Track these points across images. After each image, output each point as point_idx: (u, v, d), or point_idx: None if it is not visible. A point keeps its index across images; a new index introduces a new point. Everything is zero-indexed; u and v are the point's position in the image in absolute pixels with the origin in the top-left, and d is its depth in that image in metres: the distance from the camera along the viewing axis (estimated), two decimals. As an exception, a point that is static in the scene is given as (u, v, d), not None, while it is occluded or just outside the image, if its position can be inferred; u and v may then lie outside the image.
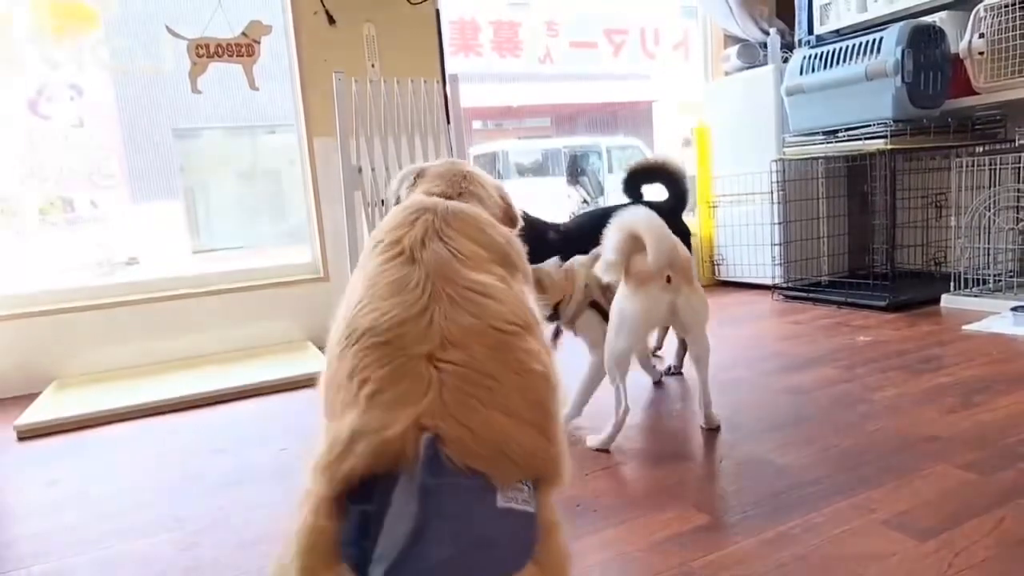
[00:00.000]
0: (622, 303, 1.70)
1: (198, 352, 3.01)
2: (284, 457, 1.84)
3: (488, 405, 0.65)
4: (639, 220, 1.66)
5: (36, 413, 2.31)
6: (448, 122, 3.19)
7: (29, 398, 2.55)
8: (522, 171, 10.75)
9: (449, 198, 0.98)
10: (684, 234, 2.46)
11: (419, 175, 1.17)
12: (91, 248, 7.98)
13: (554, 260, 1.92)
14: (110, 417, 2.29)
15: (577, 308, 1.89)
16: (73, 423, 2.24)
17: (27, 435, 2.19)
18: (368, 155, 3.01)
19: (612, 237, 1.69)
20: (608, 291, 1.84)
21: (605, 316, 1.82)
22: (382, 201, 3.03)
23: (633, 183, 2.46)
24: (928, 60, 2.94)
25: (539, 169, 11.01)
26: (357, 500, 0.59)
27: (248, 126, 9.74)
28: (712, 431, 1.80)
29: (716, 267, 4.11)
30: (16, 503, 1.68)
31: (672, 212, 2.41)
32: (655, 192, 2.49)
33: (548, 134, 13.31)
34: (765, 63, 3.73)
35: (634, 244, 1.67)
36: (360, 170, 2.99)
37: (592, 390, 1.86)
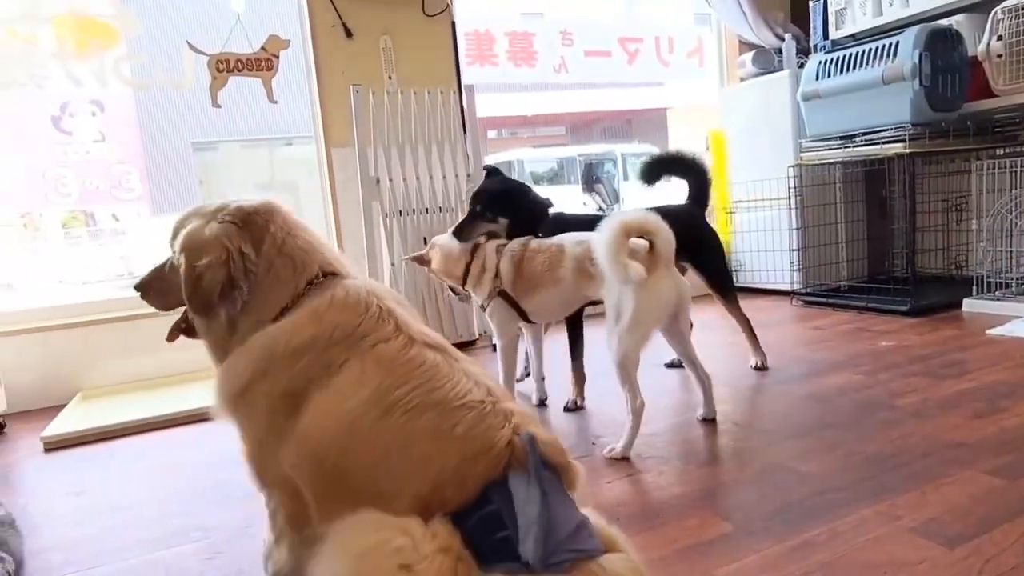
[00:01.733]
0: (635, 299, 1.68)
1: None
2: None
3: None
4: (636, 215, 1.68)
5: (62, 424, 2.35)
6: (464, 132, 3.22)
7: (55, 410, 2.59)
8: (537, 179, 10.77)
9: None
10: (712, 234, 2.42)
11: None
12: (112, 261, 8.10)
13: (446, 236, 2.12)
14: (134, 428, 2.32)
15: (488, 295, 2.04)
16: (98, 434, 2.28)
17: (53, 446, 2.22)
18: (386, 166, 3.04)
19: (613, 240, 1.64)
20: (521, 277, 1.97)
21: (512, 304, 2.00)
22: (400, 211, 3.06)
23: (652, 173, 2.40)
24: (946, 63, 2.91)
25: (555, 177, 11.03)
26: (473, 509, 0.78)
27: (265, 138, 9.86)
28: (709, 422, 1.89)
29: (734, 273, 4.09)
30: (44, 513, 1.71)
31: (694, 210, 2.37)
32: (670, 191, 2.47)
33: (563, 142, 13.34)
34: (780, 68, 3.72)
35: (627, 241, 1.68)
36: (378, 181, 3.02)
37: (512, 372, 2.12)
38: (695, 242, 2.26)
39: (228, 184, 10.19)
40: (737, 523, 1.33)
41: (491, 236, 2.15)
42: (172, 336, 1.17)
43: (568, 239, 1.93)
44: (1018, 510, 1.27)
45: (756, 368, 2.39)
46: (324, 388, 0.89)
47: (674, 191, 2.47)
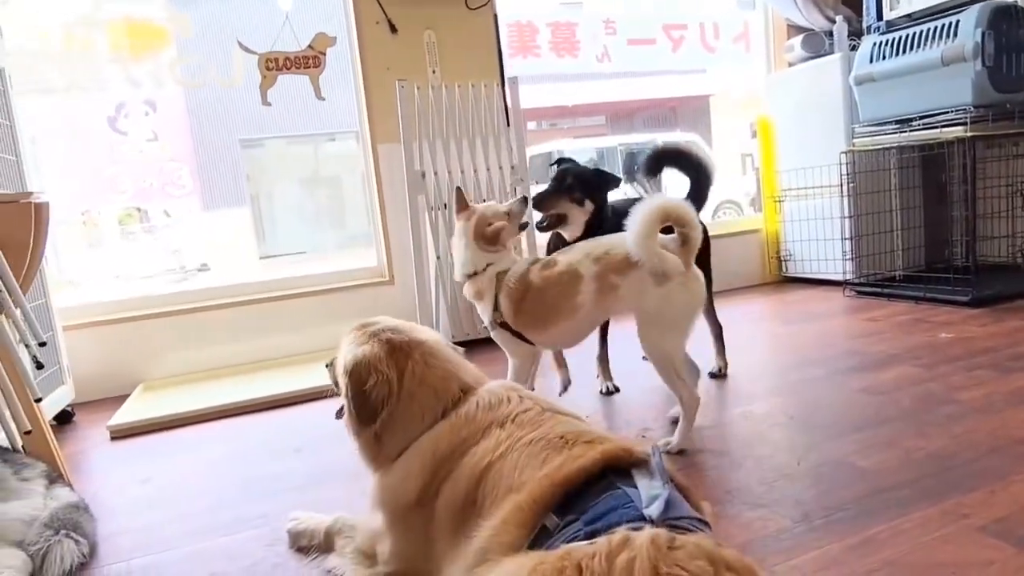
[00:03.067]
0: (674, 297, 1.65)
1: (271, 355, 3.12)
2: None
3: None
4: (675, 202, 1.62)
5: (126, 414, 2.45)
6: (508, 124, 3.21)
7: (118, 400, 2.70)
8: (578, 170, 10.69)
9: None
10: (706, 234, 2.11)
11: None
12: (166, 256, 8.38)
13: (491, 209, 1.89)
14: (195, 417, 2.40)
15: (489, 323, 1.86)
16: (161, 423, 2.37)
17: (119, 435, 2.32)
18: (431, 159, 3.06)
19: (648, 222, 1.58)
20: (524, 313, 1.78)
21: (517, 335, 1.82)
22: (444, 204, 3.08)
23: (654, 165, 2.23)
24: (1010, 42, 2.79)
25: (595, 168, 10.93)
26: (605, 488, 0.86)
27: (310, 135, 10.04)
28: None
29: (783, 263, 4.00)
30: (113, 499, 1.78)
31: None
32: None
33: (603, 133, 13.20)
34: (831, 52, 3.61)
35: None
36: (423, 175, 3.05)
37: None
38: None
39: (273, 179, 10.41)
40: (796, 519, 1.31)
41: (560, 220, 2.06)
42: (340, 415, 1.28)
43: (581, 257, 1.74)
44: (1096, 510, 1.22)
45: (713, 375, 2.26)
46: (470, 455, 1.04)
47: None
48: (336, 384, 1.28)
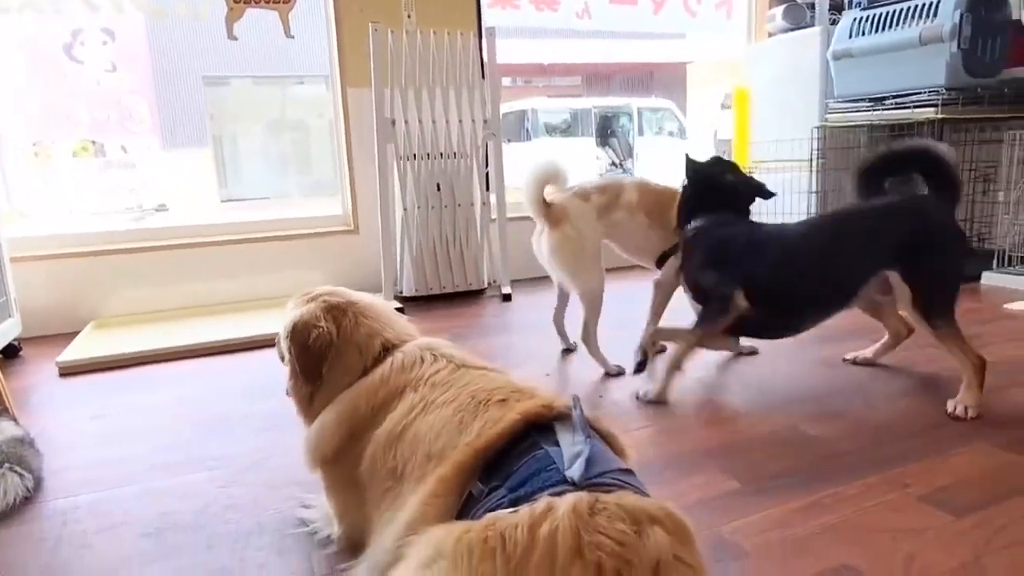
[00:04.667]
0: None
1: (230, 299, 3.05)
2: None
3: None
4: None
5: (77, 351, 2.38)
6: (483, 76, 3.14)
7: (68, 336, 2.62)
8: (551, 130, 10.60)
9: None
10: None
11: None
12: (122, 194, 8.08)
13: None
14: (148, 358, 2.35)
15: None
16: (113, 362, 2.30)
17: (69, 371, 2.25)
18: (402, 108, 2.98)
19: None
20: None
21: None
22: (414, 154, 3.02)
23: (874, 178, 1.83)
24: (987, 26, 2.80)
25: (568, 129, 10.85)
26: (527, 450, 0.86)
27: (277, 76, 9.68)
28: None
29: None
30: (61, 436, 1.74)
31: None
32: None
33: (579, 93, 13.07)
34: (812, 24, 3.59)
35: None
36: (393, 122, 2.97)
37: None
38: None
39: (238, 121, 10.07)
40: (745, 481, 1.34)
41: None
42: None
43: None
44: (1028, 483, 1.28)
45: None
46: (388, 420, 1.05)
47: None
48: (283, 356, 1.30)
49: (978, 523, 1.16)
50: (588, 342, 2.04)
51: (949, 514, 1.19)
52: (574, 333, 2.19)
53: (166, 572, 1.12)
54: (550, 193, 2.04)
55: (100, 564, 1.15)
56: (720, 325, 1.78)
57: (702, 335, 1.80)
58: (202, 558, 1.16)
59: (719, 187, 1.94)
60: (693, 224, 1.90)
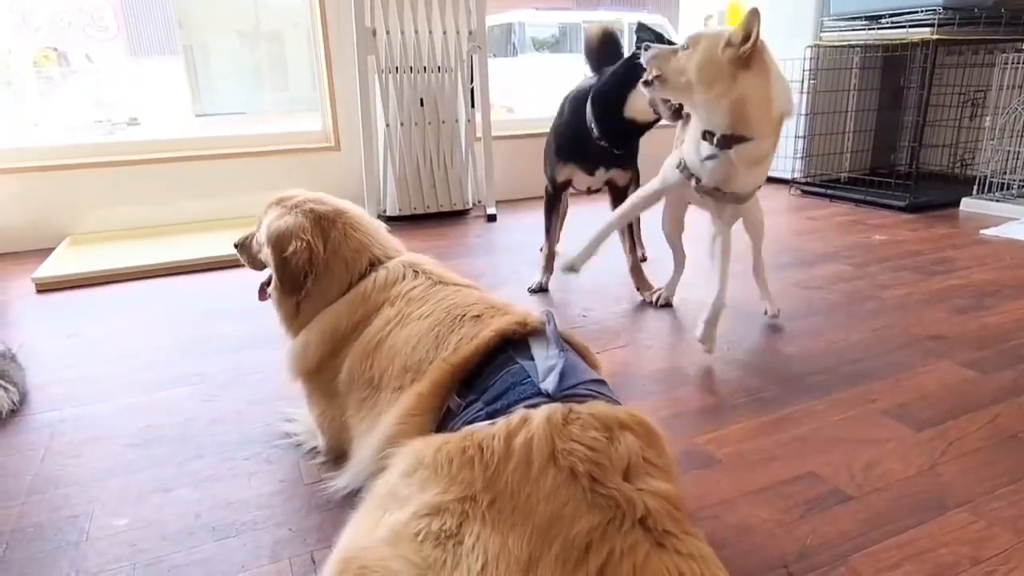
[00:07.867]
0: None
1: (207, 216, 3.00)
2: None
3: None
4: None
5: (53, 267, 2.34)
6: (468, -16, 2.99)
7: (42, 253, 2.57)
8: (538, 46, 10.24)
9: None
10: None
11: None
12: (90, 106, 7.74)
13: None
14: (126, 275, 2.32)
15: None
16: (90, 279, 2.28)
17: (45, 288, 2.23)
18: (383, 16, 2.85)
19: None
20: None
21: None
22: (396, 67, 2.91)
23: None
24: (991, -59, 2.71)
25: (556, 45, 10.49)
26: (503, 365, 0.87)
27: (251, -20, 9.14)
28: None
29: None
30: (42, 352, 1.73)
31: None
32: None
33: (568, 6, 12.55)
34: (812, -64, 3.45)
35: None
36: (374, 32, 2.85)
37: None
38: None
39: (209, 29, 9.58)
40: (721, 397, 1.39)
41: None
42: (261, 296, 1.33)
43: None
44: (987, 401, 1.34)
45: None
46: (365, 334, 1.07)
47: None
48: (249, 263, 1.30)
49: (936, 435, 1.22)
50: (760, 273, 1.89)
51: (909, 427, 1.24)
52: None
53: (157, 479, 1.15)
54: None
55: (90, 472, 1.18)
56: None
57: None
58: (191, 467, 1.19)
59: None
60: None
